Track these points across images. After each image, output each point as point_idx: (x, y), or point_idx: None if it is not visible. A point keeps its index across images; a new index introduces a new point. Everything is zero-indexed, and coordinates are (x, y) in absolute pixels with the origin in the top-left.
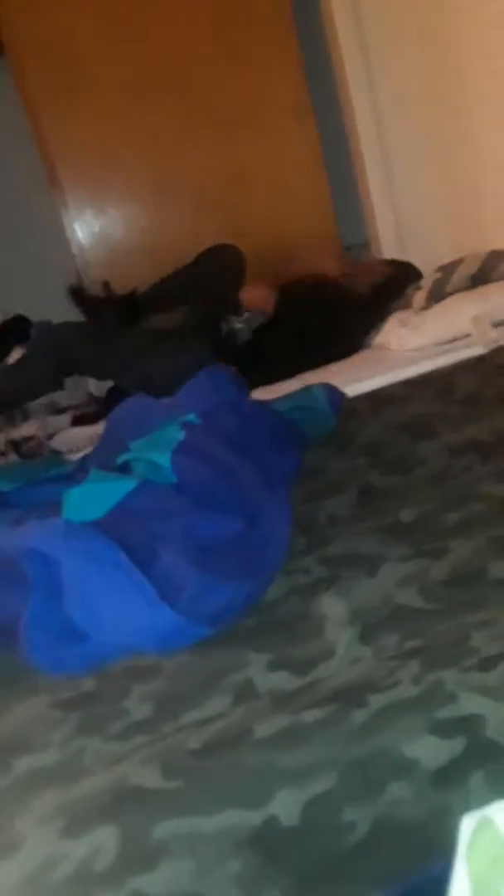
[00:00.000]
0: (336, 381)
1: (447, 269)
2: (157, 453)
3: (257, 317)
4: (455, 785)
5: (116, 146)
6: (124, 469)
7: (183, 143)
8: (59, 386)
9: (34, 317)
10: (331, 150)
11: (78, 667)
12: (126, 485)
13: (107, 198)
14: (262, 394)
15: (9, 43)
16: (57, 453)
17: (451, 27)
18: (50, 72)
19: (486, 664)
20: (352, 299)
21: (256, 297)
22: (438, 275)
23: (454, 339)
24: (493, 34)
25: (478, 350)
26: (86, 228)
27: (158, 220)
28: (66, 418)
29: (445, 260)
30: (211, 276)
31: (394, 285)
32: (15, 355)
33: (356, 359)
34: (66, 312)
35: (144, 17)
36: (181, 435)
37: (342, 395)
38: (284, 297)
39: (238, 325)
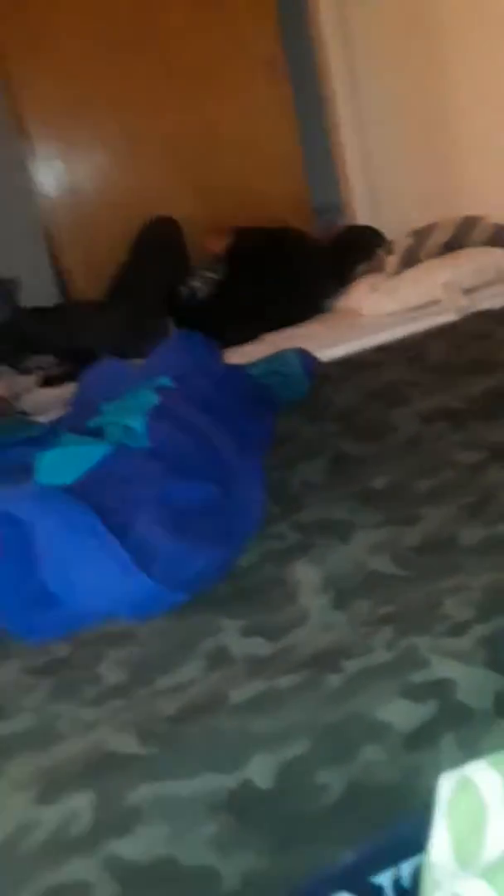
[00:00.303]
0: (309, 346)
1: (420, 235)
2: (130, 417)
3: (215, 270)
4: (427, 747)
5: (85, 97)
6: (97, 433)
7: (152, 96)
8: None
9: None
10: (304, 108)
11: (51, 632)
12: (100, 449)
13: (75, 149)
14: (234, 356)
15: None
16: (25, 415)
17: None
18: (18, 23)
19: (458, 629)
20: (309, 250)
21: (209, 242)
22: (411, 240)
23: (426, 305)
24: None
25: (449, 316)
26: (53, 178)
27: (126, 173)
28: (33, 379)
29: (418, 223)
30: (148, 271)
31: (354, 244)
32: None
33: (328, 322)
34: (30, 260)
35: None
36: (155, 398)
37: (315, 360)
38: (239, 239)
39: (196, 284)
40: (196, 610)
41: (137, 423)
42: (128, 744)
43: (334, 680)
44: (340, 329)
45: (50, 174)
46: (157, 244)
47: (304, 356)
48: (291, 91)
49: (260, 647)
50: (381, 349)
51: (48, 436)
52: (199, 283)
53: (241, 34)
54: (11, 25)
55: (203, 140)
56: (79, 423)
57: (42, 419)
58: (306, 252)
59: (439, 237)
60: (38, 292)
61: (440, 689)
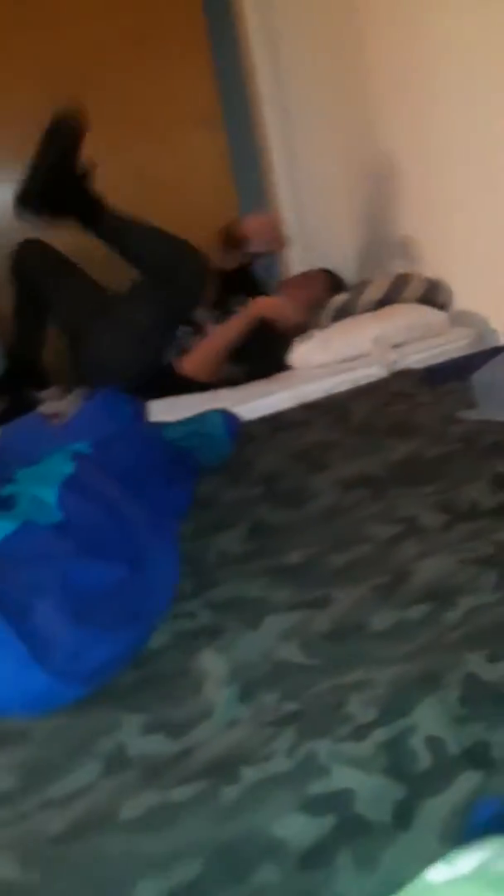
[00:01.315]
0: (236, 397)
1: (355, 291)
2: (43, 487)
3: None
4: (321, 865)
5: (17, 140)
6: (8, 502)
7: (88, 145)
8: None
9: None
10: (239, 158)
11: None
12: (2, 527)
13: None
14: (162, 412)
15: None
16: None
17: (363, 36)
18: None
19: (359, 733)
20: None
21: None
22: (346, 296)
23: (355, 358)
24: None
25: (378, 371)
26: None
27: None
28: None
29: (349, 275)
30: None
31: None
32: None
33: None
34: None
35: (56, 11)
36: (70, 468)
37: (238, 420)
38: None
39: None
40: (96, 704)
41: (49, 494)
42: (10, 869)
43: (231, 792)
44: (270, 381)
45: None
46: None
47: (227, 417)
48: (226, 143)
49: (160, 745)
50: (308, 406)
51: None
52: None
53: (175, 84)
54: None
55: (137, 189)
56: None
57: None
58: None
59: (373, 294)
60: None
61: (338, 800)
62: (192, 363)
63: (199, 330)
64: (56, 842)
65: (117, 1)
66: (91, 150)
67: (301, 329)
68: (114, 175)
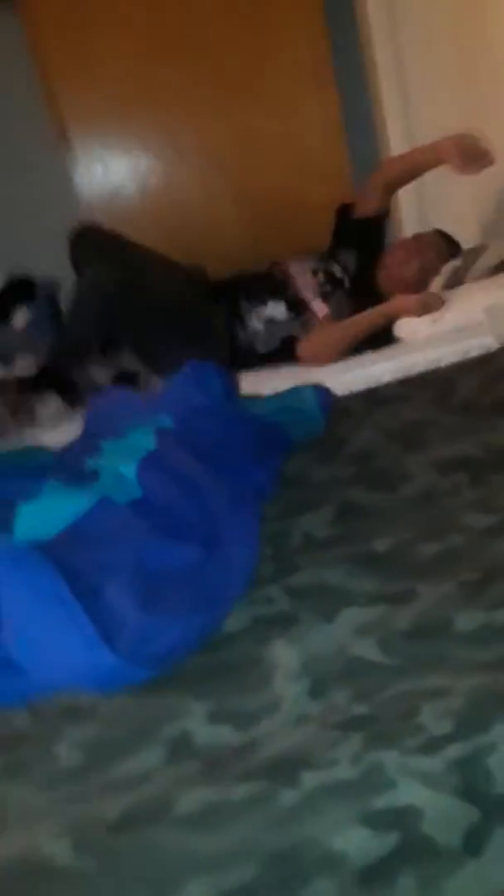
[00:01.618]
0: (336, 367)
1: (468, 257)
2: (124, 463)
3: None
4: (382, 885)
5: (127, 103)
6: (93, 474)
7: (194, 103)
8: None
9: (39, 273)
10: (352, 117)
11: (11, 700)
12: (80, 504)
13: (115, 154)
14: (256, 385)
15: None
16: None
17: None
18: (61, 28)
19: (431, 746)
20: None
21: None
22: (458, 261)
23: (465, 329)
24: None
25: (489, 342)
26: (94, 185)
27: (168, 179)
28: None
29: (467, 239)
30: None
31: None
32: (20, 316)
33: None
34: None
35: None
36: (152, 443)
37: (332, 396)
38: None
39: (259, 326)
40: (164, 687)
41: (129, 470)
42: (63, 853)
43: (290, 796)
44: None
45: (90, 178)
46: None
47: (320, 392)
48: (338, 99)
49: (225, 735)
50: (408, 382)
51: (50, 467)
52: (261, 328)
53: (287, 42)
54: (55, 31)
55: (246, 148)
56: (80, 457)
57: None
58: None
59: (489, 259)
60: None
61: (404, 817)
62: (311, 351)
63: (300, 307)
64: (112, 830)
65: None
66: (202, 113)
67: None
68: (224, 138)
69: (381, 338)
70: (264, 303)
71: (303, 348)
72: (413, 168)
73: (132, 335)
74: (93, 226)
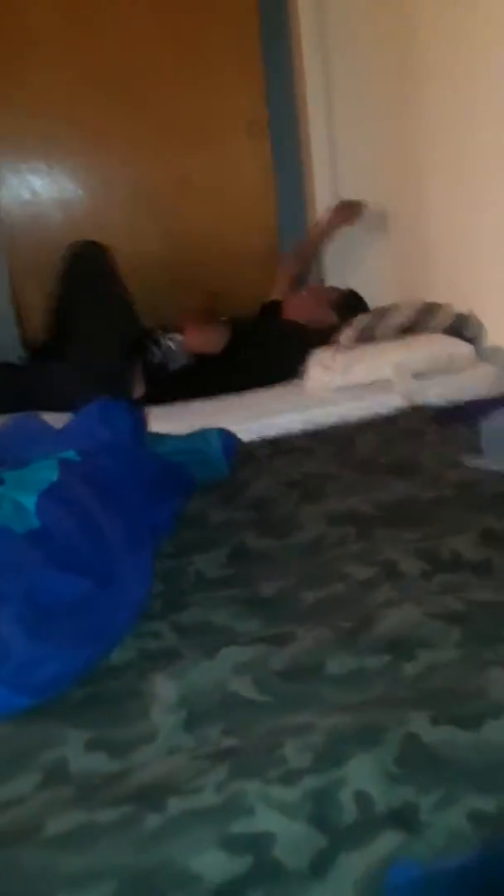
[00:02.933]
0: (247, 413)
1: (379, 314)
2: (24, 493)
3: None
4: None
5: (59, 131)
6: None
7: (130, 142)
8: None
9: None
10: (282, 166)
11: None
12: None
13: (43, 181)
14: (162, 424)
15: None
16: None
17: (413, 62)
18: (1, 49)
19: (290, 778)
20: (305, 341)
21: (201, 342)
22: (369, 318)
23: (373, 384)
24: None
25: (395, 400)
26: (18, 207)
27: (94, 212)
28: None
29: (381, 294)
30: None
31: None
32: None
33: (273, 391)
34: None
35: (105, 14)
36: (55, 475)
37: (236, 441)
38: (237, 339)
39: (171, 345)
40: (45, 716)
41: (29, 501)
42: None
43: (155, 820)
44: (281, 398)
45: (15, 201)
46: (92, 275)
47: (226, 437)
48: (270, 152)
49: (100, 763)
50: (312, 434)
51: None
52: (175, 346)
53: (226, 97)
54: None
55: (176, 189)
56: None
57: None
58: (285, 325)
59: (398, 318)
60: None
61: (259, 841)
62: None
63: None
64: None
65: (171, 7)
66: (137, 156)
67: (322, 339)
68: (155, 178)
69: (290, 370)
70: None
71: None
72: (303, 253)
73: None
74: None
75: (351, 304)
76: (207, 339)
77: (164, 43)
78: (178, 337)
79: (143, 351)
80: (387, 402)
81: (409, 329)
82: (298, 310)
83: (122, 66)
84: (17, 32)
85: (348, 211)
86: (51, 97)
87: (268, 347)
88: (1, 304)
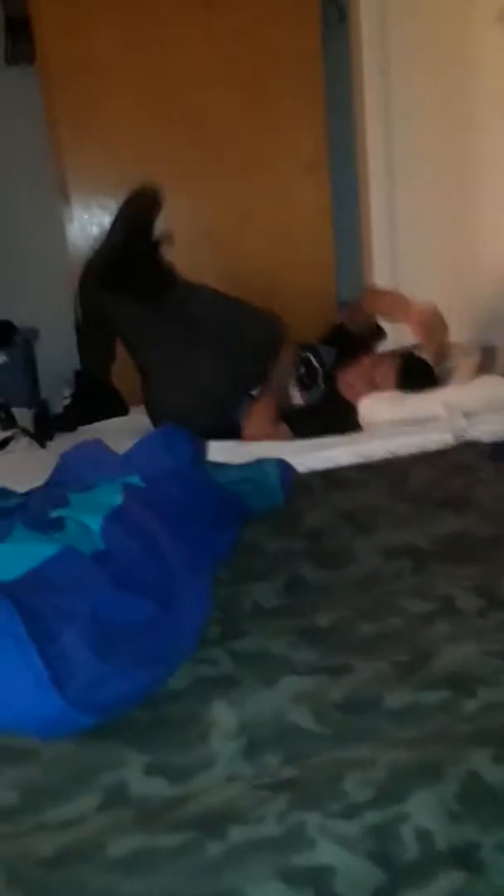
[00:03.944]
0: (300, 446)
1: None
2: (90, 515)
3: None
4: None
5: (126, 167)
6: (57, 524)
7: (193, 179)
8: None
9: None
10: (339, 203)
11: None
12: (46, 550)
13: (111, 216)
14: (222, 454)
15: (41, 59)
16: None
17: (472, 106)
18: (75, 92)
19: (351, 811)
20: None
21: (260, 435)
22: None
23: (424, 420)
24: None
25: (446, 436)
26: (86, 243)
27: None
28: None
29: None
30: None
31: None
32: None
33: None
34: (54, 322)
35: (173, 52)
36: (119, 499)
37: (293, 472)
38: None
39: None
40: (106, 737)
41: (95, 523)
42: None
43: (215, 847)
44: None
45: (84, 237)
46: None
47: (283, 468)
48: (329, 192)
49: (160, 788)
50: (366, 467)
51: (16, 511)
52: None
53: (288, 135)
54: (68, 96)
55: (236, 226)
56: (46, 505)
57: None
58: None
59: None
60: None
61: (319, 875)
62: (250, 427)
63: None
64: (43, 866)
65: (237, 43)
66: (199, 191)
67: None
68: (215, 213)
69: (346, 423)
70: None
71: (244, 427)
72: (383, 314)
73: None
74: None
75: (413, 374)
76: (267, 436)
77: (228, 81)
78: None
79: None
80: (437, 439)
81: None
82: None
83: (186, 104)
84: (86, 71)
85: (435, 337)
86: (119, 134)
87: (331, 426)
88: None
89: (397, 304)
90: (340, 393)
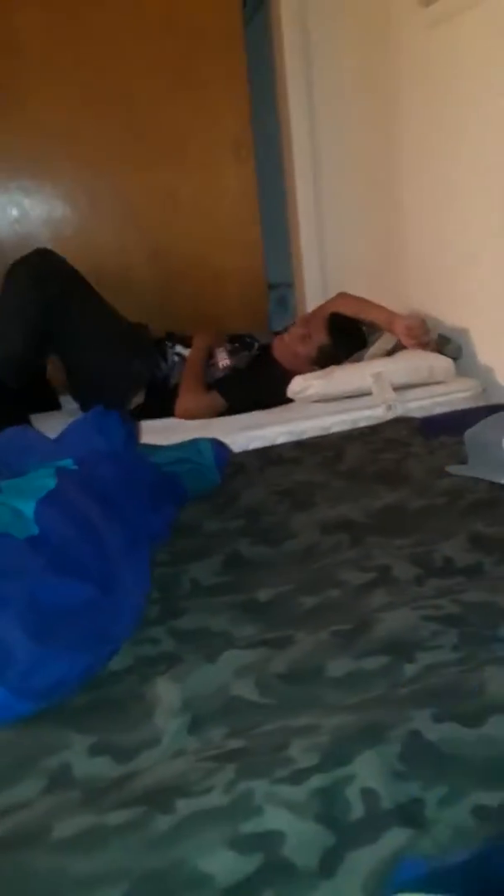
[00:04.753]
0: (234, 426)
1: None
2: (23, 500)
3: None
4: None
5: (49, 151)
6: None
7: (119, 161)
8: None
9: None
10: (266, 187)
11: None
12: None
13: (32, 199)
14: (154, 437)
15: None
16: None
17: (394, 91)
18: None
19: (297, 777)
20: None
21: (193, 409)
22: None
23: (355, 395)
24: (429, 104)
25: (378, 411)
26: (6, 225)
27: (83, 230)
28: None
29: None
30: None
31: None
32: None
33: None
34: None
35: (99, 34)
36: (52, 483)
37: (229, 451)
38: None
39: (177, 360)
40: (47, 721)
41: (28, 507)
42: None
43: (164, 821)
44: (269, 412)
45: (4, 218)
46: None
47: (218, 447)
48: (254, 173)
49: (104, 768)
50: (301, 444)
51: None
52: (178, 362)
53: (212, 116)
54: None
55: (163, 206)
56: None
57: None
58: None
59: (383, 345)
60: None
61: (268, 841)
62: (180, 403)
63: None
64: None
65: (162, 28)
66: (125, 174)
67: (305, 368)
68: (143, 195)
69: (276, 391)
70: (183, 344)
71: (177, 406)
72: (360, 317)
73: (64, 347)
74: (41, 251)
75: (337, 354)
76: (199, 408)
77: (154, 65)
78: (185, 352)
79: (150, 361)
80: (369, 415)
81: (394, 352)
82: (284, 358)
83: (111, 87)
84: (10, 53)
85: (419, 338)
86: (41, 116)
87: (261, 391)
88: None
89: (377, 311)
90: (273, 360)
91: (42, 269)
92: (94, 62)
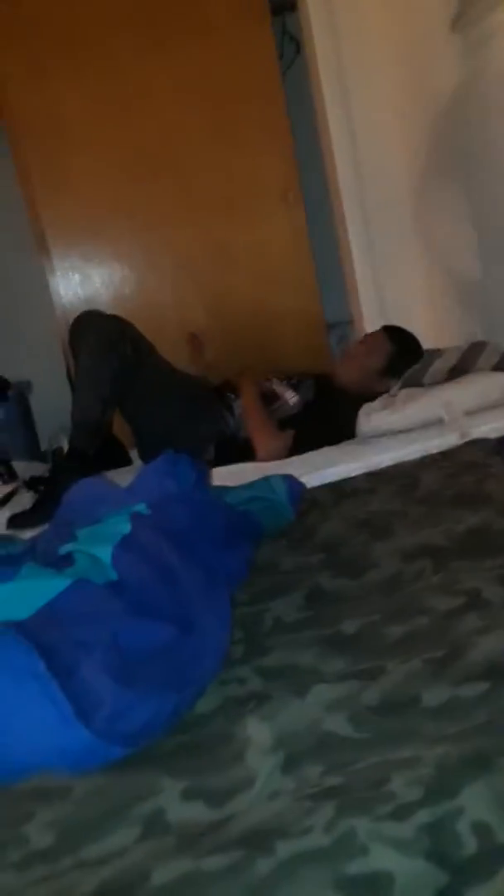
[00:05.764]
0: (308, 466)
1: (424, 360)
2: (99, 547)
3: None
4: None
5: (103, 216)
6: (67, 559)
7: (170, 218)
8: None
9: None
10: (315, 226)
11: None
12: (57, 584)
13: (92, 265)
14: (226, 478)
15: (8, 117)
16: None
17: (432, 124)
18: (45, 146)
19: (401, 812)
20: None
21: (271, 452)
22: (416, 364)
23: (425, 425)
24: (470, 140)
25: (449, 438)
26: (70, 293)
27: (142, 289)
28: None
29: (426, 342)
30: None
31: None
32: None
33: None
34: (46, 374)
35: (138, 98)
36: (127, 528)
37: (302, 486)
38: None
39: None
40: (138, 766)
41: (105, 553)
42: None
43: (264, 865)
44: (336, 450)
45: (67, 288)
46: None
47: (291, 482)
48: (305, 216)
49: (199, 813)
50: (374, 476)
51: (24, 556)
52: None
53: (259, 167)
54: (39, 149)
55: (217, 259)
56: (53, 544)
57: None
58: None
59: (444, 363)
60: (53, 397)
61: (376, 882)
62: (259, 448)
63: (270, 397)
64: None
65: (199, 87)
66: (173, 225)
67: (370, 395)
68: (195, 248)
69: (350, 425)
70: (235, 393)
71: (256, 452)
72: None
73: (132, 410)
74: (93, 311)
75: (401, 363)
76: (279, 448)
77: (194, 121)
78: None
79: (218, 419)
80: (441, 443)
81: (457, 370)
82: (350, 379)
83: (156, 147)
84: (58, 124)
85: None
86: (93, 182)
87: (329, 425)
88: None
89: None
90: (337, 388)
91: (114, 335)
92: (134, 125)
